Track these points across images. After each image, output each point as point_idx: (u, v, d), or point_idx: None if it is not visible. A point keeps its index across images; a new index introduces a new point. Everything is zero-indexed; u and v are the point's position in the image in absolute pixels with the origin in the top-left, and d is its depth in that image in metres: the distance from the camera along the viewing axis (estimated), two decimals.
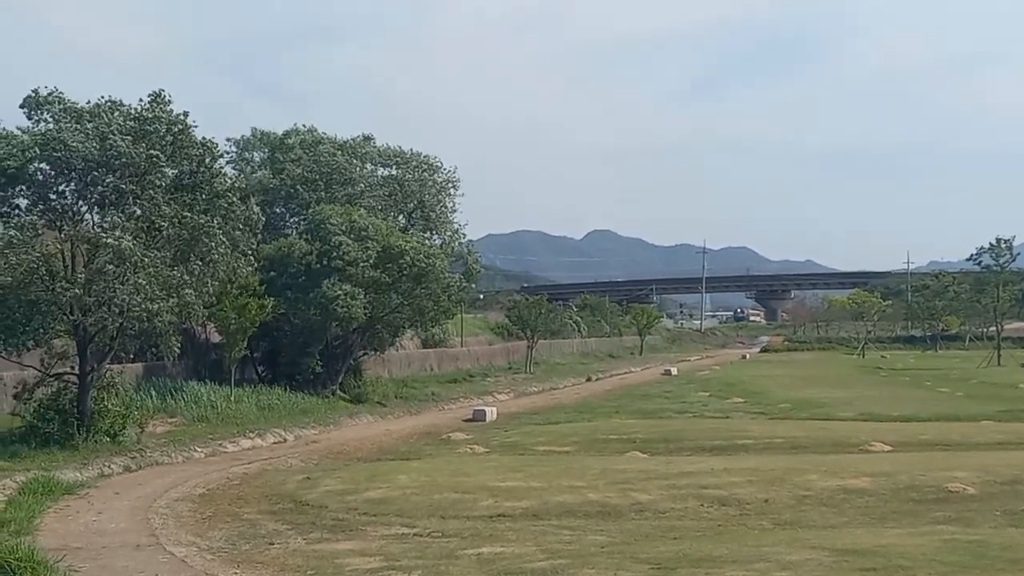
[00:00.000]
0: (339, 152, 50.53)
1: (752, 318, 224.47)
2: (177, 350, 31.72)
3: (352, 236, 43.09)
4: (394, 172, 55.62)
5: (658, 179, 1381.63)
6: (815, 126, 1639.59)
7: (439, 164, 55.85)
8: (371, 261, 43.10)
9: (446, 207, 56.24)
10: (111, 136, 28.44)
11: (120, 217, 28.34)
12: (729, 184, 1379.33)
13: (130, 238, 27.41)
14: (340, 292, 41.37)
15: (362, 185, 51.70)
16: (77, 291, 27.02)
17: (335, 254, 42.32)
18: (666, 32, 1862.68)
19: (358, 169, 51.74)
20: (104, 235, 27.30)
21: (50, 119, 29.55)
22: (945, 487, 20.50)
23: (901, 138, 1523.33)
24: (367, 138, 54.36)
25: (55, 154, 28.18)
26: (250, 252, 33.86)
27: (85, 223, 29.99)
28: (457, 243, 56.25)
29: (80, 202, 30.31)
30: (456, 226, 57.18)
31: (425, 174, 55.18)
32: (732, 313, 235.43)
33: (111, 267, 27.26)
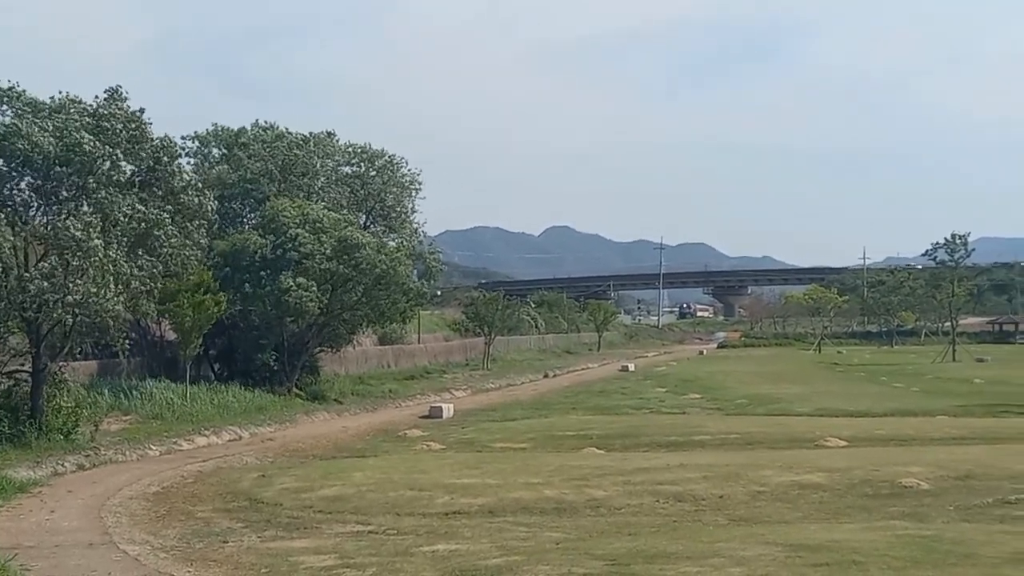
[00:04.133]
0: (299, 147, 50.39)
1: (700, 313, 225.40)
2: (128, 344, 31.49)
3: (307, 229, 42.92)
4: (357, 169, 55.56)
5: (616, 176, 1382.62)
6: (773, 126, 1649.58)
7: (403, 162, 55.92)
8: (327, 253, 42.93)
9: (406, 207, 56.27)
10: (72, 132, 28.25)
11: (78, 212, 28.07)
12: (687, 181, 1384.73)
13: (96, 234, 27.22)
14: (292, 284, 41.17)
15: (322, 179, 51.58)
16: (43, 284, 26.75)
17: (291, 246, 42.15)
18: (624, 33, 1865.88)
19: (319, 164, 51.56)
20: (72, 231, 26.95)
21: (9, 112, 29.34)
22: (899, 482, 20.67)
23: (859, 137, 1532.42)
24: (330, 134, 54.24)
25: (17, 146, 27.90)
26: (202, 241, 33.79)
27: (39, 220, 29.76)
28: (417, 242, 56.16)
29: (35, 196, 30.08)
30: (416, 225, 57.25)
31: (388, 172, 55.17)
32: (678, 309, 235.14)
33: (76, 262, 27.06)
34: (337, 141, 54.54)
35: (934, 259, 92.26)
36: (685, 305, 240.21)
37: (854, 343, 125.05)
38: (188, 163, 49.32)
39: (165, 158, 31.16)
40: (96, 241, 27.05)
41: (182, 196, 31.56)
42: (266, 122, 53.12)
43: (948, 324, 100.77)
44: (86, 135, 28.38)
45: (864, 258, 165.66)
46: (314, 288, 42.08)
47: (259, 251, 42.22)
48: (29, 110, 29.27)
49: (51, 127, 28.46)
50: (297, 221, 43.05)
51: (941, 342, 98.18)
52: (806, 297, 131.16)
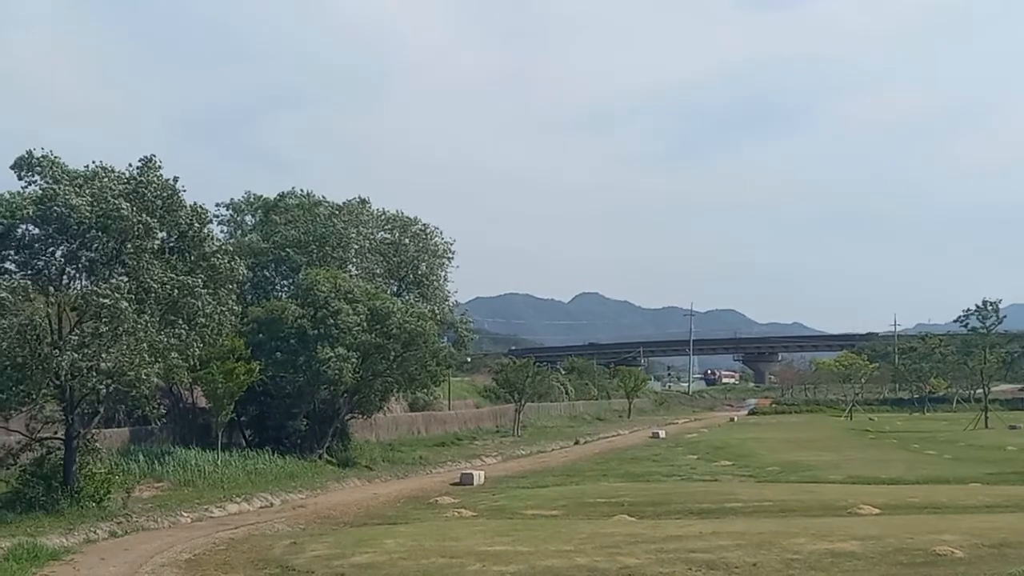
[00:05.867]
0: (336, 215, 50.88)
1: (725, 379, 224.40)
2: (162, 411, 31.64)
3: (341, 299, 43.16)
4: (391, 236, 55.95)
5: (646, 241, 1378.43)
6: (801, 189, 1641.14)
7: (436, 231, 56.35)
8: (363, 326, 43.19)
9: (439, 276, 56.59)
10: (110, 199, 28.58)
11: (114, 279, 28.35)
12: (715, 245, 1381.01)
13: (125, 301, 27.46)
14: (331, 354, 41.35)
15: (355, 247, 51.96)
16: (73, 355, 27.00)
17: (332, 321, 42.37)
18: (649, 91, 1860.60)
19: (354, 233, 51.99)
20: (102, 296, 27.23)
21: (41, 181, 29.69)
22: (933, 550, 20.45)
23: (888, 202, 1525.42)
24: (363, 201, 54.72)
25: (54, 210, 28.22)
26: (232, 303, 33.96)
27: (72, 288, 30.04)
28: (449, 310, 56.41)
29: (69, 266, 30.39)
30: (448, 294, 57.57)
31: (421, 240, 55.59)
32: (702, 375, 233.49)
33: (106, 329, 27.31)
34: (371, 208, 54.98)
35: (965, 326, 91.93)
36: (711, 371, 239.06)
37: (885, 410, 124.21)
38: (221, 231, 49.93)
39: (196, 224, 31.52)
40: (127, 308, 27.28)
41: (213, 259, 31.87)
42: (302, 191, 53.75)
43: (980, 391, 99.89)
44: (123, 202, 28.72)
45: (895, 325, 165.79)
46: (354, 359, 42.27)
47: (296, 321, 42.41)
48: (65, 177, 29.65)
49: (88, 193, 28.81)
50: (333, 294, 43.28)
51: (973, 409, 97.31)
52: (837, 364, 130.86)
